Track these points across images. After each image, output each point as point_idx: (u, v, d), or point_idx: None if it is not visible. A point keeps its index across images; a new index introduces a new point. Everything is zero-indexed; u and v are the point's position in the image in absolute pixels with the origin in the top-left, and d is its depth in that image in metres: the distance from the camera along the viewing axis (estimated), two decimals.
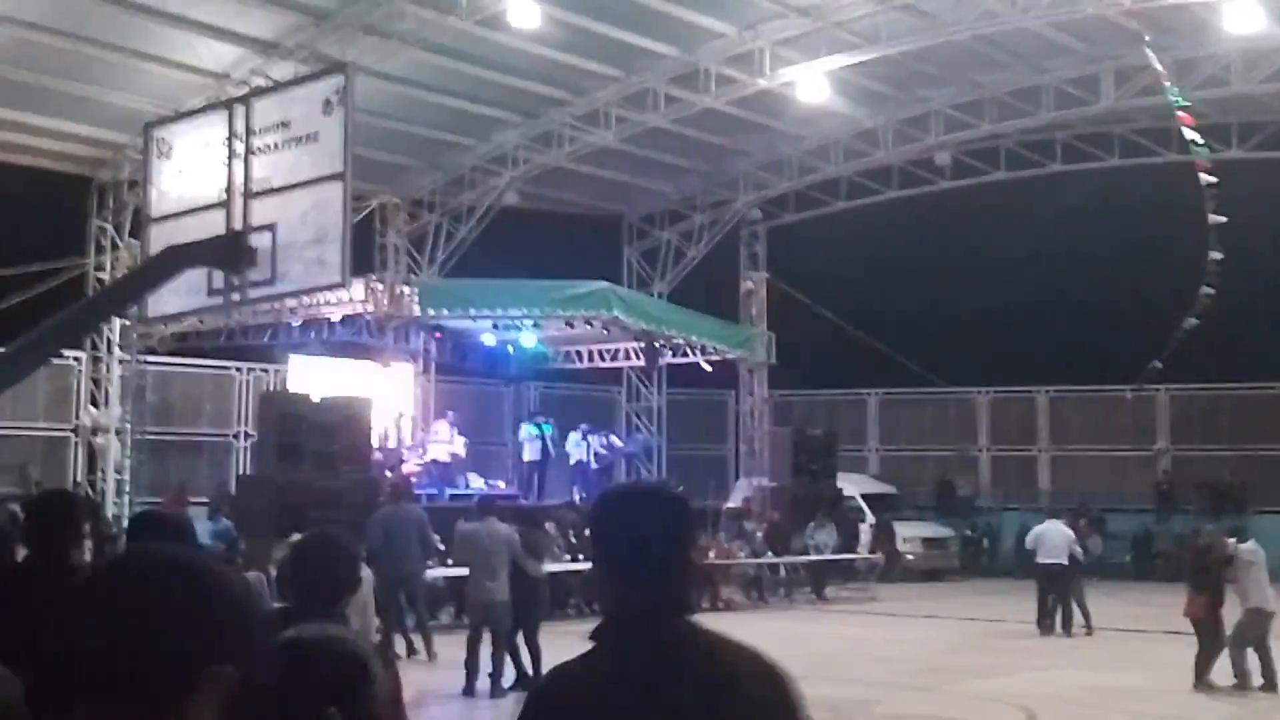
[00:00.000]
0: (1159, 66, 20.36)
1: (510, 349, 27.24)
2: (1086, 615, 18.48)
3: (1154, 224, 28.14)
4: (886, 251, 31.10)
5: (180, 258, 14.58)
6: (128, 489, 23.62)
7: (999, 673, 14.86)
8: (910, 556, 28.24)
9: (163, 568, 1.52)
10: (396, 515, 15.85)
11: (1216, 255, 23.82)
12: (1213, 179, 22.08)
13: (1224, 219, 23.02)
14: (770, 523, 25.11)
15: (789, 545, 24.56)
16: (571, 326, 25.15)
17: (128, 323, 23.30)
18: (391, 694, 3.96)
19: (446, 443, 24.60)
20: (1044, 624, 18.53)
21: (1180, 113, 21.31)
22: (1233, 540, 14.27)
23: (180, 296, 15.34)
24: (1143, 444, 31.46)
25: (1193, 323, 25.51)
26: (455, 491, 23.50)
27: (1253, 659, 13.43)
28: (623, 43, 21.73)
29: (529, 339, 26.53)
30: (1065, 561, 18.40)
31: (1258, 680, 13.40)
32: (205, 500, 22.79)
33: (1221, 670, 13.45)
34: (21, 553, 4.84)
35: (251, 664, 1.48)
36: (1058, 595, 18.50)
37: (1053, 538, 18.83)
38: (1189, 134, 21.66)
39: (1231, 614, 13.67)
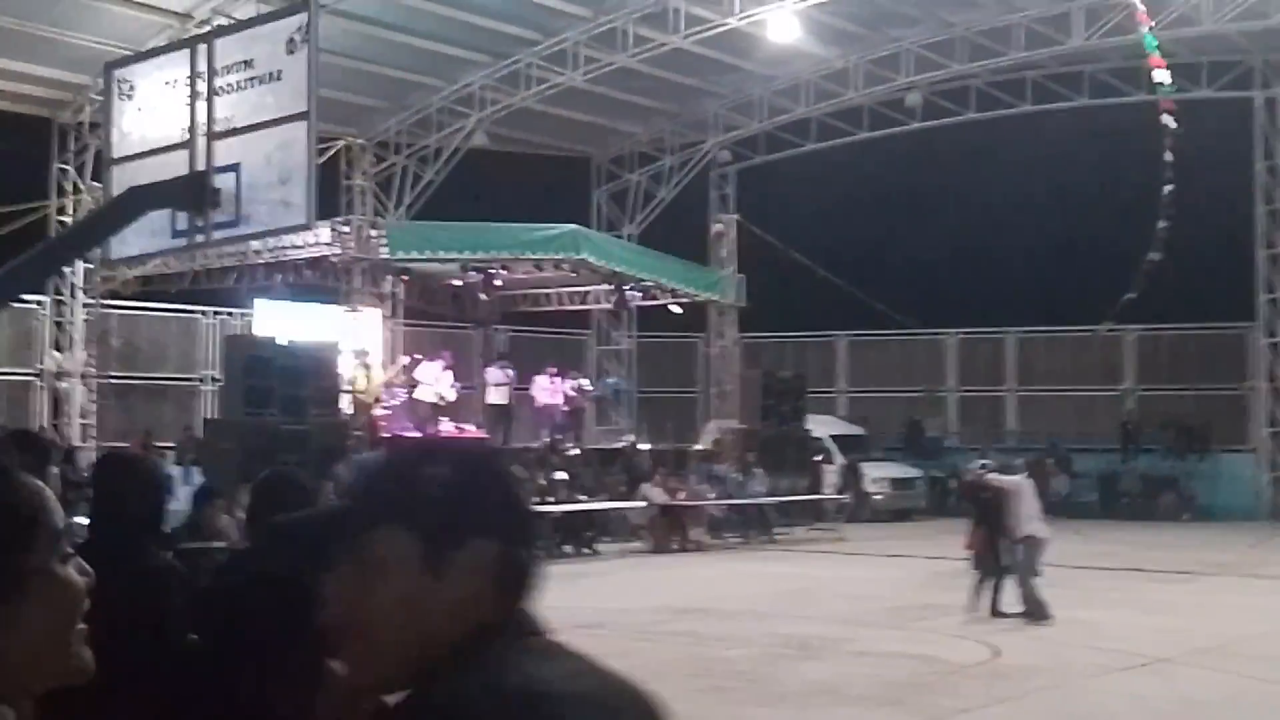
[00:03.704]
0: (1140, 4, 20.29)
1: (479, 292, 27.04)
2: None
3: (1123, 164, 28.15)
4: (856, 193, 31.02)
5: (143, 199, 14.38)
6: (93, 433, 23.47)
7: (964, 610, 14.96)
8: (878, 497, 28.40)
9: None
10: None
11: (1169, 187, 23.85)
12: (1174, 123, 22.02)
13: (1171, 158, 23.01)
14: (745, 465, 25.11)
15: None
16: (540, 269, 25.02)
17: (91, 266, 23.05)
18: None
19: (433, 385, 24.29)
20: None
21: (1152, 56, 21.25)
22: (993, 475, 14.72)
23: (143, 238, 15.14)
24: (1109, 384, 31.64)
25: (1156, 257, 25.57)
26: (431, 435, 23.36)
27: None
28: None
29: (497, 282, 26.36)
30: None
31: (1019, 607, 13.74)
32: (172, 445, 22.71)
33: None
34: None
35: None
36: None
37: None
38: (1159, 75, 21.61)
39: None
